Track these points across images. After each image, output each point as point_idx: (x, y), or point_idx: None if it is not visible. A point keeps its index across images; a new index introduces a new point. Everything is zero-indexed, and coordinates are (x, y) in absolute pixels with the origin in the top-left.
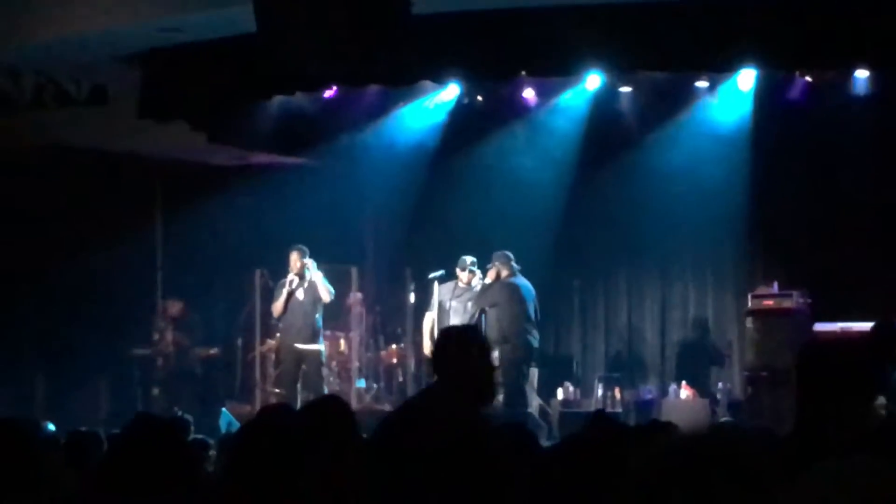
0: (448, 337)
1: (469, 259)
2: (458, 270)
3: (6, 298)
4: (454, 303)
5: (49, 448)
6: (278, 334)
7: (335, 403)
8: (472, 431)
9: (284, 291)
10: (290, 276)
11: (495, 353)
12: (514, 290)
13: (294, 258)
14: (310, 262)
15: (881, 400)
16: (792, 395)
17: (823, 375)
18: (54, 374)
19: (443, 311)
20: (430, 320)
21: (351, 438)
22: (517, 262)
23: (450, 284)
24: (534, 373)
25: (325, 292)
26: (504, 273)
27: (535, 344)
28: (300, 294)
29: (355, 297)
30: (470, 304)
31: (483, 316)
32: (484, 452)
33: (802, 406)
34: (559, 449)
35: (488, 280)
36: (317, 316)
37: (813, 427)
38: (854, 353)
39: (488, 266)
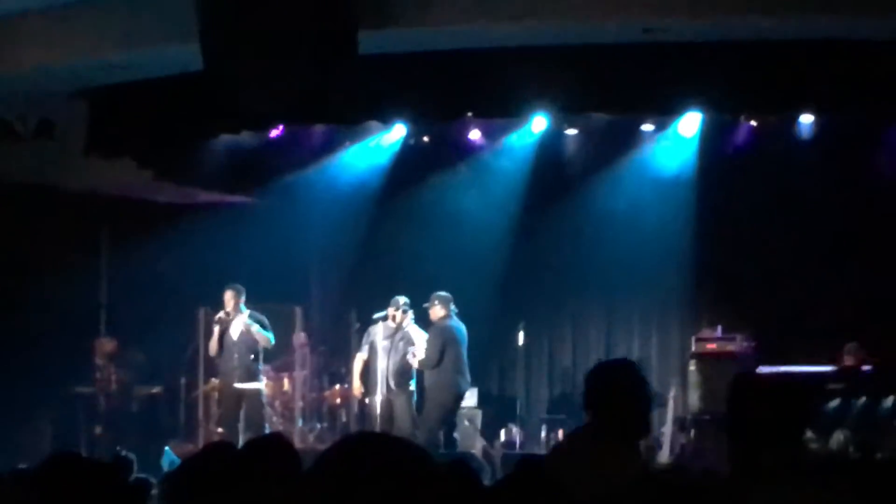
0: (607, 371)
1: (402, 299)
2: (390, 310)
3: None
4: (386, 343)
5: None
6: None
7: (277, 441)
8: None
9: (216, 329)
10: (221, 314)
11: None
12: (452, 333)
13: (228, 297)
14: (244, 313)
15: (809, 434)
16: None
17: (752, 410)
18: None
19: (373, 352)
20: (360, 361)
21: (294, 475)
22: (460, 303)
23: (382, 325)
24: (477, 414)
25: (264, 340)
26: (441, 314)
27: (465, 388)
28: (233, 333)
29: (300, 336)
30: (401, 343)
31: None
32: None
33: (734, 442)
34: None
35: (439, 315)
36: (252, 355)
37: (746, 462)
38: (780, 388)
39: (426, 305)
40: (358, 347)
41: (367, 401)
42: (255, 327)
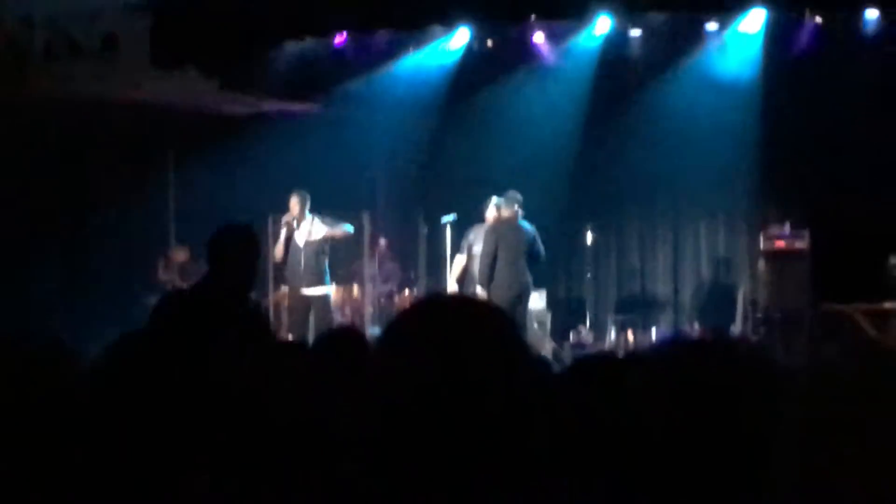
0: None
1: (495, 199)
2: (488, 211)
3: (22, 245)
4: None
5: None
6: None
7: (350, 332)
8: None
9: (282, 234)
10: (287, 217)
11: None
12: (503, 231)
13: (294, 202)
14: (309, 218)
15: (893, 260)
16: (804, 335)
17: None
18: (69, 320)
19: (470, 255)
20: (459, 265)
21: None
22: (526, 207)
23: (479, 227)
24: (546, 316)
25: (343, 233)
26: (506, 214)
27: (524, 284)
28: (299, 239)
29: (382, 242)
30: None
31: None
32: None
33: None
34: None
35: (503, 217)
36: (319, 259)
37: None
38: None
39: (497, 203)
40: (430, 251)
41: None
42: (328, 227)
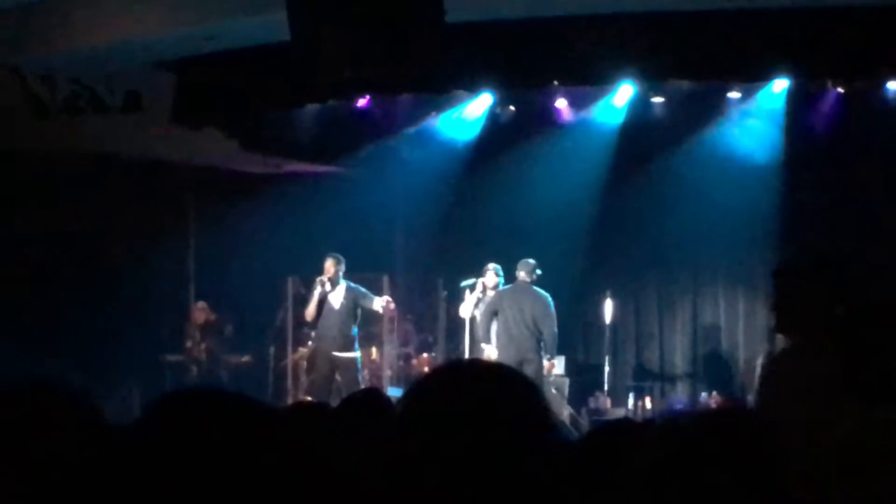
0: None
1: (492, 265)
2: (486, 278)
3: (41, 302)
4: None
5: None
6: (310, 342)
7: (376, 394)
8: None
9: (316, 294)
10: (322, 278)
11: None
12: (499, 297)
13: (329, 265)
14: (343, 284)
15: None
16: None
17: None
18: (87, 378)
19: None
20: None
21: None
22: (545, 272)
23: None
24: (564, 382)
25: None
26: (523, 277)
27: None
28: (335, 302)
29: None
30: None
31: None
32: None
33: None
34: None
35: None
36: (351, 323)
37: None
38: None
39: (497, 269)
40: (449, 315)
41: None
42: (373, 301)
